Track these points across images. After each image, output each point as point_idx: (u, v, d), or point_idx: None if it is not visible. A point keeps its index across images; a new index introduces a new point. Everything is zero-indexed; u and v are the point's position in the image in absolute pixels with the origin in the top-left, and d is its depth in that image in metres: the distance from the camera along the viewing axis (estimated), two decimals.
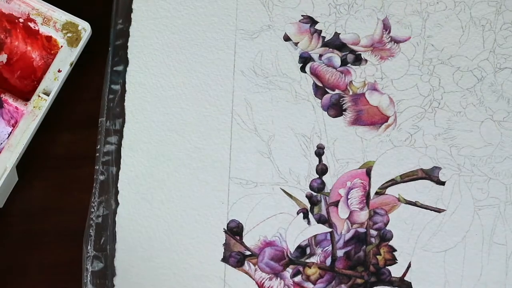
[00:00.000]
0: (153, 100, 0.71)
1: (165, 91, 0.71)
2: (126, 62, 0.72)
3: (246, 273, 0.68)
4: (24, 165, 0.68)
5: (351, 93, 0.71)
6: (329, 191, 0.69)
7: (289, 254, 0.68)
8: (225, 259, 0.68)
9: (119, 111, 0.71)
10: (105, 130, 0.70)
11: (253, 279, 0.67)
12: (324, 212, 0.69)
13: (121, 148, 0.70)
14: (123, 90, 0.71)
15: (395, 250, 0.68)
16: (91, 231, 0.68)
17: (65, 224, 0.70)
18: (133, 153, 0.70)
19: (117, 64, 0.72)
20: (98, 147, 0.70)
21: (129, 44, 0.72)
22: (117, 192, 0.69)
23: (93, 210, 0.68)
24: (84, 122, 0.72)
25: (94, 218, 0.68)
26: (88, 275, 0.67)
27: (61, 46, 0.70)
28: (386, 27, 0.72)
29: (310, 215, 0.69)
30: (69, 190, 0.70)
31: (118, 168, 0.69)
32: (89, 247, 0.68)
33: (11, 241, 0.69)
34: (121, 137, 0.70)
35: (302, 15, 0.73)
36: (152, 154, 0.70)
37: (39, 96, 0.68)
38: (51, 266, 0.69)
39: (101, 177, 0.69)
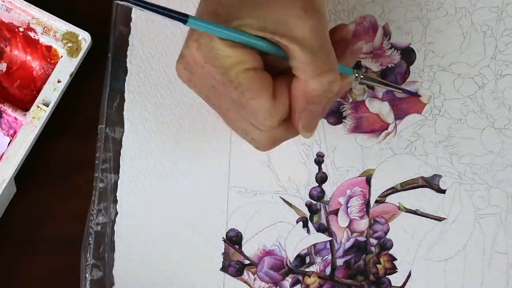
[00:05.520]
0: (152, 108, 0.70)
1: (164, 100, 0.71)
2: (125, 71, 0.71)
3: (245, 282, 0.67)
4: (22, 172, 0.68)
5: (351, 100, 0.71)
6: (328, 199, 0.69)
7: (288, 263, 0.68)
8: (224, 268, 0.67)
9: (118, 119, 0.70)
10: (104, 137, 0.70)
11: None
12: (323, 221, 0.68)
13: (120, 157, 0.69)
14: (122, 99, 0.71)
15: (395, 259, 0.67)
16: (90, 239, 0.68)
17: (64, 232, 0.69)
18: (132, 162, 0.69)
19: (116, 72, 0.71)
20: (97, 154, 0.70)
21: (128, 52, 0.72)
22: (115, 201, 0.69)
23: (92, 218, 0.68)
24: (83, 129, 0.71)
25: (93, 226, 0.68)
26: (87, 284, 0.67)
27: (61, 56, 0.69)
28: (386, 34, 0.72)
29: (310, 224, 0.68)
30: (68, 197, 0.70)
31: (117, 176, 0.69)
32: (88, 255, 0.67)
33: (10, 248, 0.69)
34: (120, 146, 0.70)
35: None
36: (150, 163, 0.69)
37: (38, 106, 0.68)
38: (49, 274, 0.69)
39: (101, 185, 0.69)
